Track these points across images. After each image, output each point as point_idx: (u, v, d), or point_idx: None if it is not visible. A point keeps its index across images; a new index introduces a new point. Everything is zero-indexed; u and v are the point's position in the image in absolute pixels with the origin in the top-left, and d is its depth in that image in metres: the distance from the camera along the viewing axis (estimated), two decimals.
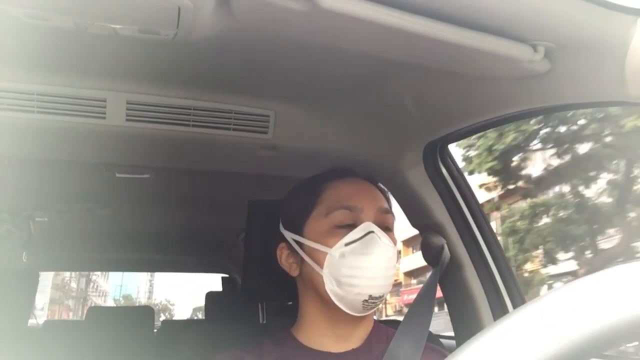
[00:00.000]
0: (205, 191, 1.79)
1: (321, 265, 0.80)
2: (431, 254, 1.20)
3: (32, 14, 0.71)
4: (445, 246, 1.18)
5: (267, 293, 1.06)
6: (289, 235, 0.86)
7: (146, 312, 2.57)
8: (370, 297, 0.77)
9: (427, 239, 1.23)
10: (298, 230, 0.85)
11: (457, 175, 1.25)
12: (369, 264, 0.78)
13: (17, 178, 1.46)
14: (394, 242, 0.83)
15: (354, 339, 0.85)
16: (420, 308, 0.96)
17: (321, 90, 1.13)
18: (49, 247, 2.45)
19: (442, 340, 1.02)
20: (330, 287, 0.79)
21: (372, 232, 0.80)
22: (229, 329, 1.05)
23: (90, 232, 2.32)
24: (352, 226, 0.81)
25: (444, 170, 1.24)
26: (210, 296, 2.71)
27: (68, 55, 0.95)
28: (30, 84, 1.04)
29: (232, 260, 2.89)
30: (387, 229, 0.84)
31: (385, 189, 0.92)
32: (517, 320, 0.28)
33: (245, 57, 0.95)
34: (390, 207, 0.89)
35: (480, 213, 1.24)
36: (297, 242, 0.85)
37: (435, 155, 1.22)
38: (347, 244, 0.79)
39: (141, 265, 3.53)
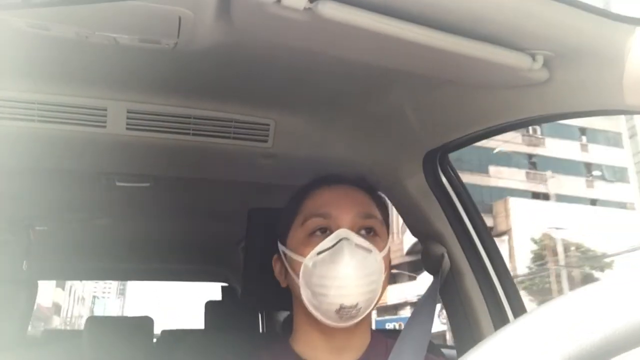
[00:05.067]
0: (205, 200, 1.79)
1: (298, 275, 0.79)
2: (431, 263, 1.20)
3: (33, 23, 0.72)
4: (446, 255, 1.18)
5: (267, 302, 1.06)
6: (280, 247, 0.86)
7: (145, 322, 2.56)
8: (342, 306, 0.75)
9: (427, 247, 1.22)
10: (284, 241, 0.85)
11: (457, 184, 1.25)
12: (337, 273, 0.75)
13: (18, 187, 1.46)
14: (381, 246, 0.80)
15: (350, 351, 0.83)
16: (420, 318, 0.95)
17: (321, 99, 1.13)
18: (48, 256, 2.44)
19: (443, 350, 1.01)
20: (306, 297, 0.78)
21: (345, 239, 0.77)
22: (228, 338, 1.04)
23: (90, 241, 2.31)
24: (328, 234, 0.79)
25: (444, 179, 1.23)
26: (210, 305, 2.70)
27: (69, 65, 0.96)
28: (31, 93, 1.04)
29: (232, 269, 2.88)
30: (372, 234, 0.81)
31: (379, 194, 0.90)
32: (518, 330, 0.28)
33: (246, 66, 0.96)
34: (382, 211, 0.87)
35: (480, 222, 1.23)
36: (283, 252, 0.84)
37: (435, 163, 1.22)
38: (319, 253, 0.78)
39: (140, 274, 3.51)
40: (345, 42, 0.75)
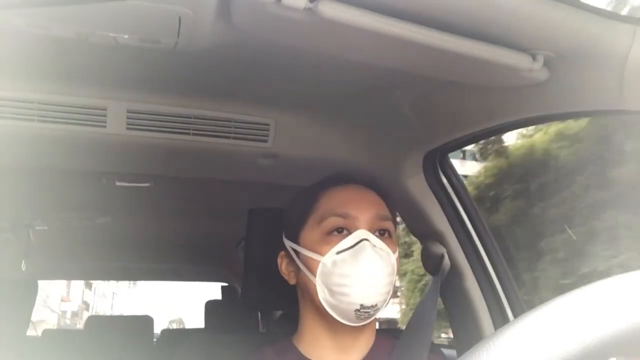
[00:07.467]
0: (205, 200, 1.79)
1: (314, 274, 0.79)
2: (431, 263, 1.20)
3: (33, 23, 0.72)
4: (446, 255, 1.18)
5: (267, 302, 1.06)
6: (287, 244, 0.86)
7: (145, 322, 2.56)
8: (362, 306, 0.76)
9: (427, 247, 1.23)
10: (295, 239, 0.84)
11: (457, 184, 1.25)
12: (360, 273, 0.76)
13: (17, 186, 1.45)
14: (394, 249, 0.81)
15: (356, 351, 0.83)
16: (422, 318, 0.95)
17: (321, 99, 1.13)
18: (48, 256, 2.44)
19: (443, 350, 1.01)
20: (322, 296, 0.78)
21: (365, 239, 0.78)
22: (228, 338, 1.04)
23: (89, 241, 2.32)
24: (346, 234, 0.80)
25: (444, 179, 1.23)
26: (210, 305, 2.70)
27: (69, 64, 0.96)
28: (30, 92, 1.04)
29: (232, 269, 2.88)
30: (386, 235, 0.82)
31: (387, 195, 0.90)
32: (518, 329, 0.28)
33: (246, 66, 0.96)
34: (392, 213, 0.87)
35: (480, 221, 1.24)
36: (294, 250, 0.84)
37: (435, 163, 1.22)
38: (338, 252, 0.78)
39: (141, 274, 3.52)
40: (345, 42, 0.75)
